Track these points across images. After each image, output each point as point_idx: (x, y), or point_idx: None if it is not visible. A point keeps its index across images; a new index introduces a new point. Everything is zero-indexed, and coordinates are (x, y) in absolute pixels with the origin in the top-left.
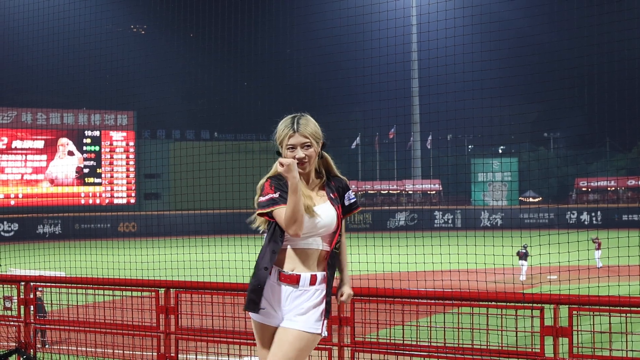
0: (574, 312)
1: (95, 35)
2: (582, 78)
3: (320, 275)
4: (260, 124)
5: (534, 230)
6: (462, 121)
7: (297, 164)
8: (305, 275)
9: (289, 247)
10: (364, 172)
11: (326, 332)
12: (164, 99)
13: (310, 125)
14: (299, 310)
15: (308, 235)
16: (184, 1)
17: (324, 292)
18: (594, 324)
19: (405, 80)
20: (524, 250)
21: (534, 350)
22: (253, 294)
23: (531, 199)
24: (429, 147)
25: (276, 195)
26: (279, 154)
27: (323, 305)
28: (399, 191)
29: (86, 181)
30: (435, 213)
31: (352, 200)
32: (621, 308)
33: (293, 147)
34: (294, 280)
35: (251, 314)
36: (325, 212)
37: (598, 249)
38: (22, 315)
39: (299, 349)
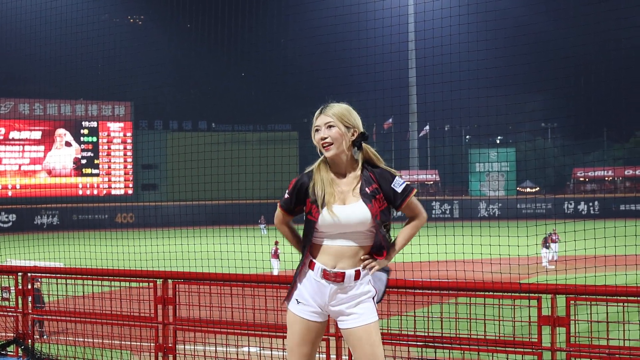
0: (572, 301)
1: (91, 24)
2: (579, 68)
3: (364, 270)
4: (258, 114)
5: (531, 220)
6: (459, 111)
7: (322, 146)
8: (350, 273)
9: (324, 243)
10: None
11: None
12: (161, 90)
13: (337, 107)
14: (350, 304)
15: (337, 235)
16: None
17: (369, 279)
18: (591, 314)
19: (402, 70)
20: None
21: (531, 340)
22: (291, 287)
23: (529, 189)
24: (419, 135)
25: (286, 196)
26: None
27: (372, 291)
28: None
29: (84, 172)
30: (433, 203)
31: (401, 187)
32: (618, 297)
33: (318, 128)
34: (340, 278)
35: (290, 307)
36: (348, 213)
37: (555, 241)
38: (20, 306)
39: (377, 340)
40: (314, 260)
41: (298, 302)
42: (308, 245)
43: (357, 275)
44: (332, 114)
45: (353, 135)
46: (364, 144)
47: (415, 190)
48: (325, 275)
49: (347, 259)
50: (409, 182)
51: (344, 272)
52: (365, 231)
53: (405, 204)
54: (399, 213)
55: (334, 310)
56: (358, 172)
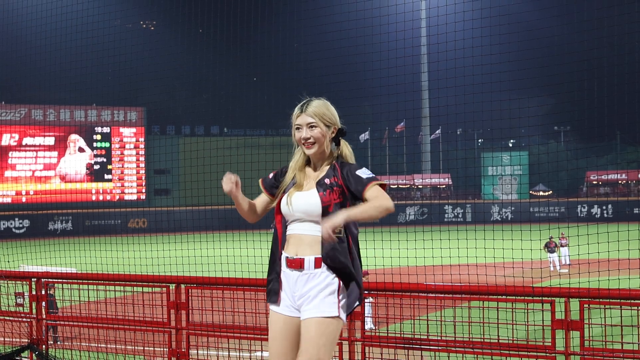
0: (585, 305)
1: (104, 29)
2: (592, 71)
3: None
4: (270, 119)
5: (544, 223)
6: (472, 115)
7: (303, 144)
8: (309, 258)
9: (287, 233)
10: (374, 166)
11: (344, 316)
12: (173, 95)
13: (319, 107)
14: (310, 295)
15: (293, 220)
16: None
17: (333, 274)
18: (605, 318)
19: (415, 74)
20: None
21: (544, 344)
22: (268, 285)
23: (542, 193)
24: (432, 137)
25: (270, 175)
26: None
27: (334, 286)
28: (408, 185)
29: (96, 177)
30: (446, 207)
31: (366, 175)
32: (632, 301)
33: (299, 127)
34: (298, 264)
35: (270, 306)
36: (300, 199)
37: (563, 245)
38: (34, 312)
39: (324, 335)
40: (282, 252)
41: None
42: (277, 244)
43: (318, 263)
44: (313, 114)
45: (333, 132)
46: (342, 140)
47: (381, 182)
48: (288, 262)
49: (306, 245)
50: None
51: (303, 259)
52: (316, 222)
53: (368, 188)
54: (409, 217)
55: (299, 302)
56: (328, 164)
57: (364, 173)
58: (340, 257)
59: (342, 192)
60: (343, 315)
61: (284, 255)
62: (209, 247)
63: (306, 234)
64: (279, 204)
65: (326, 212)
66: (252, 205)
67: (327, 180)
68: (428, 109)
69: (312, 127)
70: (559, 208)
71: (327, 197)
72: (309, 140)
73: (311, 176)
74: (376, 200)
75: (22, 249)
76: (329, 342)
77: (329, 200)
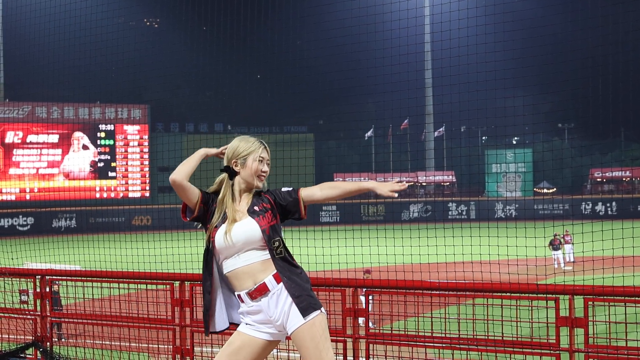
0: (589, 302)
1: (108, 27)
2: (596, 68)
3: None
4: (273, 116)
5: (548, 221)
6: (476, 112)
7: (258, 176)
8: (269, 278)
9: (227, 271)
10: (377, 163)
11: (322, 308)
12: (177, 92)
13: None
14: (285, 310)
15: (232, 254)
16: None
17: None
18: (609, 315)
19: (419, 71)
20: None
21: (549, 341)
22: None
23: (546, 190)
24: (436, 134)
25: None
26: (228, 169)
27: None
28: (412, 183)
29: (101, 175)
30: (449, 204)
31: (291, 189)
32: (636, 298)
33: (262, 160)
34: (263, 289)
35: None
36: (238, 229)
37: (567, 243)
38: (39, 309)
39: (316, 337)
40: (237, 292)
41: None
42: (216, 288)
43: (278, 278)
44: (269, 153)
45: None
46: None
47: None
48: (251, 295)
49: (259, 272)
50: None
51: (264, 282)
52: (259, 247)
53: (300, 191)
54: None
55: (279, 323)
56: (250, 194)
57: (287, 188)
58: (289, 267)
59: (273, 214)
60: (321, 307)
61: (241, 293)
62: None
63: (254, 262)
64: (214, 241)
65: (265, 235)
66: (189, 177)
67: (256, 208)
68: (432, 106)
69: (268, 164)
70: (563, 205)
71: (263, 222)
72: (264, 175)
73: (238, 209)
74: (332, 183)
75: (26, 247)
76: (324, 338)
77: (266, 224)
